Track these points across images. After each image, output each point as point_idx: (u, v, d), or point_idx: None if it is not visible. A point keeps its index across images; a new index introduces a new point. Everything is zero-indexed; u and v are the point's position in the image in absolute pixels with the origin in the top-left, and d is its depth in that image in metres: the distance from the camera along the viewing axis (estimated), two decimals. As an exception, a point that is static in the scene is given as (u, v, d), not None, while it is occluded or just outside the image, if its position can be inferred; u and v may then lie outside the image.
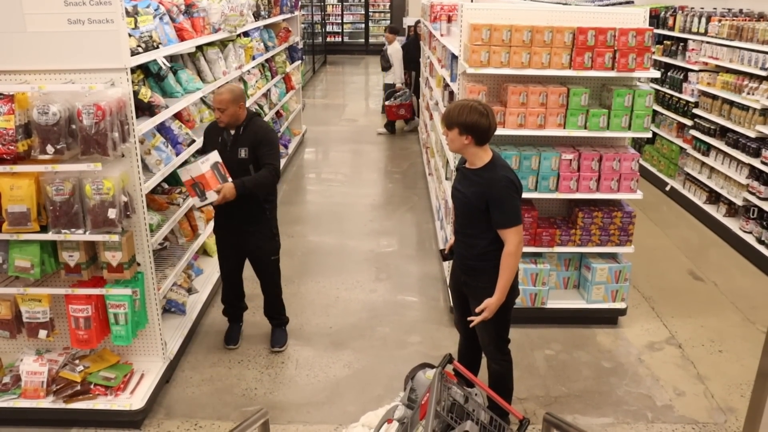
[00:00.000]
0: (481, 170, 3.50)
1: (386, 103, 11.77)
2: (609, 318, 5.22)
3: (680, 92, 8.41)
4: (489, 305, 3.51)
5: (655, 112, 9.03)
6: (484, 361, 4.07)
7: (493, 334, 3.75)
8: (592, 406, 4.28)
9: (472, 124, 3.39)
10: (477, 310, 3.57)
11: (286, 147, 9.48)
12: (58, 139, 3.49)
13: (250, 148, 4.29)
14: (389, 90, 11.83)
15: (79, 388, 3.91)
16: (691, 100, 8.08)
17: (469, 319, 3.65)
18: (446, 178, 6.03)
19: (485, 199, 3.44)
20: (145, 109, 4.21)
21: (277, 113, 8.94)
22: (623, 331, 5.17)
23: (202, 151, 4.54)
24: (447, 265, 5.60)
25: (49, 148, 3.49)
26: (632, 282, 5.68)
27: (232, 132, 4.34)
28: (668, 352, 4.91)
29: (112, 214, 3.66)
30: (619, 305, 5.15)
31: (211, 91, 5.59)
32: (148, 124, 4.07)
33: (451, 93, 5.72)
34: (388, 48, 11.67)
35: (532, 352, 4.84)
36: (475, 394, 3.09)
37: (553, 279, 5.24)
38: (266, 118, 7.78)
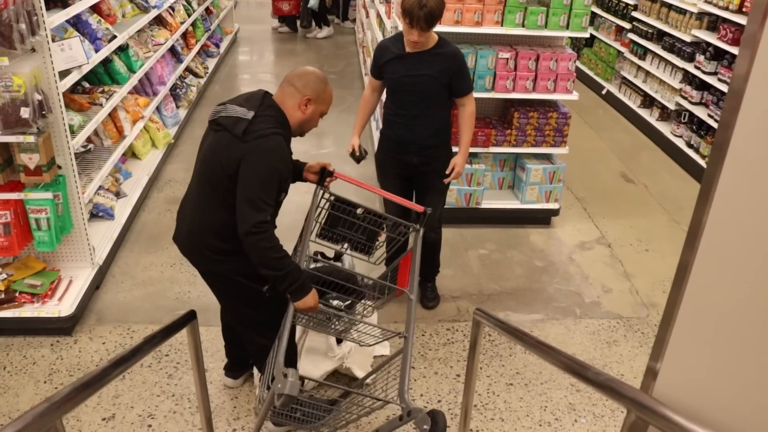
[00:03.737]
0: (436, 48, 3.68)
1: None
2: (542, 218, 5.32)
3: (620, -6, 8.34)
4: (458, 164, 3.87)
5: (594, 15, 8.97)
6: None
7: (441, 204, 4.09)
8: (523, 303, 4.41)
9: (444, 6, 3.57)
10: (449, 171, 3.88)
11: (218, 46, 9.09)
12: (-44, 30, 3.22)
13: None
14: None
15: (3, 296, 3.78)
16: (631, 2, 8.02)
17: (448, 180, 3.91)
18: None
19: (450, 72, 3.66)
20: (57, 1, 3.90)
21: (207, 10, 8.49)
22: (556, 231, 5.29)
23: None
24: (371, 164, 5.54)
25: (-53, 40, 3.22)
26: (566, 183, 5.77)
27: None
28: (598, 251, 5.05)
29: (25, 113, 3.44)
30: (552, 206, 5.24)
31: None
32: (61, 16, 3.77)
33: (388, -11, 5.51)
34: None
35: (466, 252, 4.91)
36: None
37: (488, 179, 5.27)
38: (195, 15, 7.38)
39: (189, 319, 2.76)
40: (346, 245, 3.18)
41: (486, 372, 3.77)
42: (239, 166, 2.61)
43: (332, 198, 2.99)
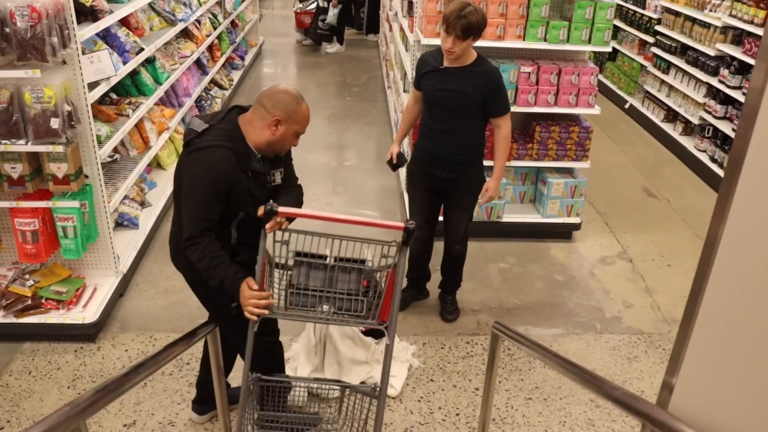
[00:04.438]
0: (474, 65, 3.68)
1: (294, 9, 11.37)
2: (563, 232, 5.30)
3: (643, 8, 8.31)
4: (491, 188, 3.89)
5: (617, 29, 8.95)
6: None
7: (468, 219, 4.06)
8: (543, 317, 4.39)
9: (485, 25, 3.58)
10: (482, 194, 3.92)
11: (243, 59, 9.20)
12: (-10, 43, 3.31)
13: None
14: None
15: (30, 302, 3.85)
16: (654, 16, 8.00)
17: (480, 203, 3.96)
18: (404, 91, 5.92)
19: (485, 91, 3.65)
20: (87, 14, 4.00)
21: (232, 23, 8.61)
22: (577, 245, 5.27)
23: None
24: (400, 174, 5.58)
25: (-20, 53, 3.32)
26: (587, 197, 5.74)
27: None
28: (619, 266, 5.02)
29: (54, 123, 3.51)
30: (573, 220, 5.22)
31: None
32: (91, 29, 3.87)
33: (410, 3, 5.55)
34: None
35: (486, 265, 4.91)
36: None
37: (509, 193, 5.27)
38: (221, 28, 7.50)
39: (209, 328, 2.80)
40: (325, 307, 2.56)
41: (505, 386, 3.76)
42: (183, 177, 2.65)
43: (288, 256, 2.55)
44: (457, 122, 3.76)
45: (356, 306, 2.57)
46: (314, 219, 2.49)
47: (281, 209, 2.45)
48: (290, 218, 2.58)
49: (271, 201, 2.46)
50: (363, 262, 2.59)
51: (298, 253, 2.56)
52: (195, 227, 2.59)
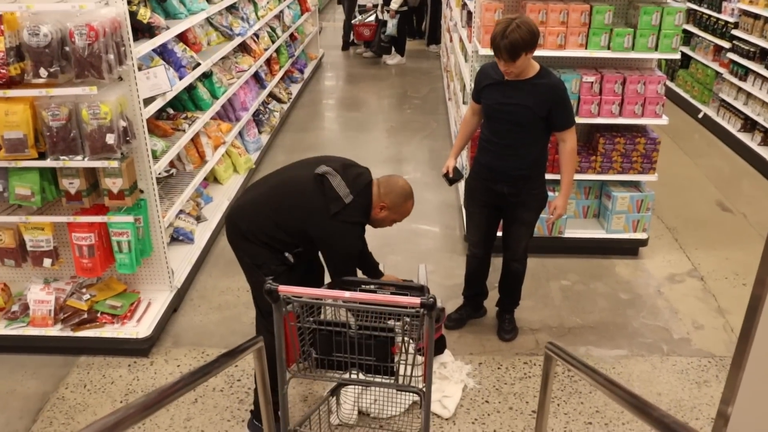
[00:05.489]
0: (536, 78, 3.52)
1: (354, 21, 11.37)
2: (629, 249, 5.05)
3: (719, 12, 7.94)
4: (559, 206, 3.75)
5: (690, 34, 8.58)
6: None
7: (528, 237, 3.92)
8: (606, 337, 4.17)
9: (537, 36, 3.37)
10: (551, 212, 3.78)
11: (302, 72, 9.26)
12: (51, 62, 3.37)
13: None
14: (359, 7, 11.44)
15: (86, 316, 3.90)
16: (731, 20, 7.62)
17: (550, 221, 3.90)
18: (464, 103, 5.80)
19: (549, 104, 3.49)
20: (144, 31, 4.05)
21: (291, 36, 8.67)
22: (643, 262, 5.01)
23: None
24: (459, 188, 5.45)
25: (43, 72, 3.38)
26: (656, 212, 5.48)
27: None
28: (689, 285, 4.75)
29: (110, 139, 3.56)
30: (640, 236, 4.98)
31: (218, 12, 5.39)
32: (147, 46, 3.92)
33: (469, 13, 5.43)
34: None
35: (547, 283, 4.72)
36: None
37: (572, 207, 5.07)
38: (279, 42, 7.54)
39: (254, 344, 2.74)
40: (354, 372, 2.59)
41: (564, 409, 3.58)
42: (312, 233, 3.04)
43: (309, 326, 2.54)
44: (519, 137, 3.61)
45: (385, 371, 2.58)
46: (320, 297, 2.56)
47: (281, 288, 2.44)
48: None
49: (269, 280, 2.46)
50: (391, 330, 2.52)
51: (320, 322, 2.56)
52: (341, 275, 3.06)
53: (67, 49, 3.38)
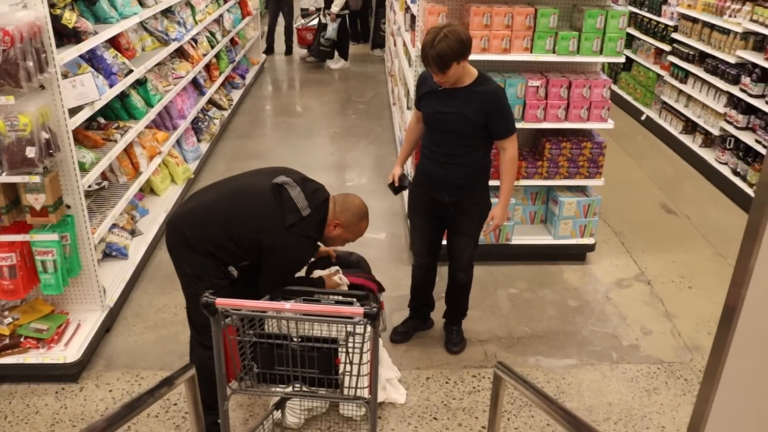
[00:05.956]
0: (474, 85, 3.40)
1: (296, 25, 11.27)
2: (577, 254, 5.01)
3: (659, 15, 8.04)
4: (497, 216, 3.62)
5: (632, 38, 8.68)
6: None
7: (472, 246, 3.80)
8: (555, 347, 4.11)
9: (468, 45, 3.24)
10: (488, 221, 3.66)
11: (243, 77, 9.02)
12: (-39, 69, 3.13)
13: None
14: (302, 11, 11.37)
15: (7, 341, 3.64)
16: (670, 23, 7.72)
17: (486, 231, 3.69)
18: (408, 108, 5.69)
19: (487, 113, 3.38)
20: (70, 36, 3.82)
21: (232, 41, 8.42)
22: (591, 267, 4.98)
23: None
24: (405, 195, 5.33)
25: (-48, 79, 3.14)
26: (602, 216, 5.47)
27: None
28: (637, 289, 4.73)
29: (30, 152, 3.32)
30: (587, 241, 4.95)
31: (152, 16, 5.16)
32: (72, 52, 3.68)
33: (413, 17, 5.33)
34: None
35: (495, 291, 4.64)
36: None
37: (519, 214, 5.00)
38: (219, 47, 7.30)
39: (186, 372, 2.57)
40: (297, 386, 2.57)
41: (514, 423, 3.50)
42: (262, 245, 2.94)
43: (250, 339, 2.49)
44: (459, 146, 3.50)
45: (329, 383, 2.56)
46: (259, 309, 2.47)
47: (218, 300, 2.34)
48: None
49: (207, 293, 2.35)
50: (334, 341, 2.49)
51: (260, 335, 2.50)
52: (274, 287, 2.94)
53: (-22, 55, 3.14)
